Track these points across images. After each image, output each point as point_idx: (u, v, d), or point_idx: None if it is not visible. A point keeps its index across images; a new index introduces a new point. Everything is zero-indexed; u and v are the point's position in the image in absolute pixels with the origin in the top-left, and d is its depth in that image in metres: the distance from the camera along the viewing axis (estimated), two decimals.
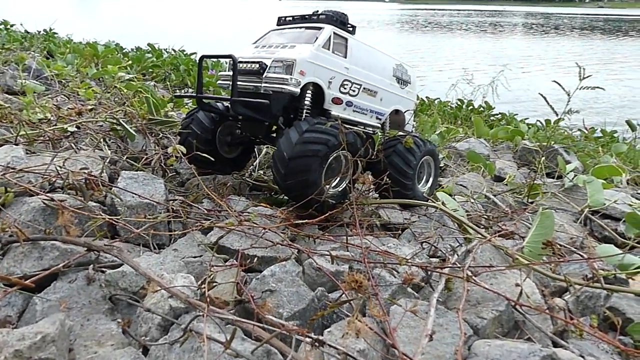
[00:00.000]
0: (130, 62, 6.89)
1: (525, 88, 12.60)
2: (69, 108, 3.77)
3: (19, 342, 1.12)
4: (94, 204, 2.07)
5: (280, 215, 2.24)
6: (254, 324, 1.19)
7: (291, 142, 2.26)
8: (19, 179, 1.96)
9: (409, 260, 1.78)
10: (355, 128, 2.72)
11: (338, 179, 2.43)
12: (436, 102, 9.13)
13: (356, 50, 2.73)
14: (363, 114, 2.84)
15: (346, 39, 2.68)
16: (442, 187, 3.46)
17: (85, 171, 2.27)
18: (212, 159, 2.61)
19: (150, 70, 7.58)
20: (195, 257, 1.94)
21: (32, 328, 1.18)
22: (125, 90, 4.44)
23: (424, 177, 3.06)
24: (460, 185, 3.73)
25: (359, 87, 2.75)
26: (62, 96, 4.39)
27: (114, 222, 1.96)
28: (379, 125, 3.01)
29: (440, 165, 3.01)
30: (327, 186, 2.35)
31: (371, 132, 3.01)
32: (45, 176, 2.01)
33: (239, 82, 2.47)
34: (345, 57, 2.66)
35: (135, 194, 2.11)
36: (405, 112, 3.15)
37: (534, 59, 21.12)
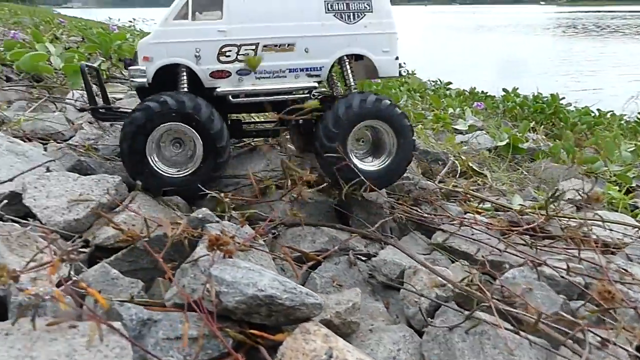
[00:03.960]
0: None
1: None
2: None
3: (337, 306, 1.41)
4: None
5: (497, 224, 2.36)
6: (530, 318, 1.33)
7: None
8: None
9: None
10: (273, 97, 2.26)
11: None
12: (608, 115, 8.40)
13: (240, 4, 2.23)
14: (276, 77, 2.28)
15: None
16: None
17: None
18: None
19: None
20: (424, 254, 2.15)
21: (343, 296, 1.47)
22: None
23: (369, 150, 2.35)
24: None
25: (253, 47, 2.23)
26: None
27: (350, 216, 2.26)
28: (316, 84, 2.34)
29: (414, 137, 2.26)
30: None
31: (306, 94, 2.33)
32: None
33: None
34: (221, 18, 2.22)
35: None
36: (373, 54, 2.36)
37: None
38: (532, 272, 1.88)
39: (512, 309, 1.41)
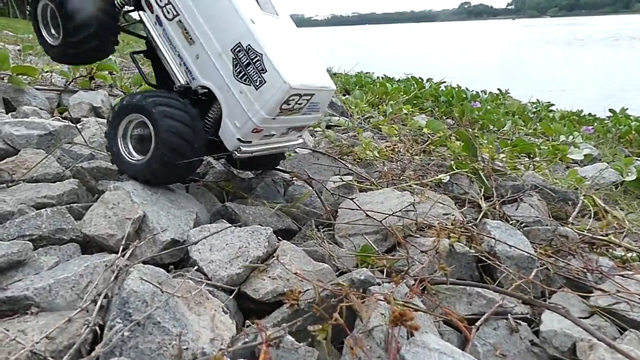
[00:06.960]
0: (404, 94, 7.43)
1: None
2: (386, 146, 4.26)
3: None
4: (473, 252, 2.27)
5: None
6: None
7: None
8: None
9: None
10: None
11: None
12: None
13: None
14: (172, 47, 2.27)
15: None
16: None
17: (452, 216, 2.53)
18: None
19: (414, 101, 8.04)
20: (583, 317, 1.98)
21: None
22: (424, 130, 4.82)
23: (134, 145, 2.26)
24: None
25: (174, 10, 2.20)
26: (369, 132, 4.97)
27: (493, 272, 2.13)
28: (183, 83, 2.25)
29: (171, 129, 2.05)
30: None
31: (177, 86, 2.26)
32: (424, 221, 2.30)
33: None
34: None
35: (511, 245, 2.26)
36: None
37: None
38: None
39: None
